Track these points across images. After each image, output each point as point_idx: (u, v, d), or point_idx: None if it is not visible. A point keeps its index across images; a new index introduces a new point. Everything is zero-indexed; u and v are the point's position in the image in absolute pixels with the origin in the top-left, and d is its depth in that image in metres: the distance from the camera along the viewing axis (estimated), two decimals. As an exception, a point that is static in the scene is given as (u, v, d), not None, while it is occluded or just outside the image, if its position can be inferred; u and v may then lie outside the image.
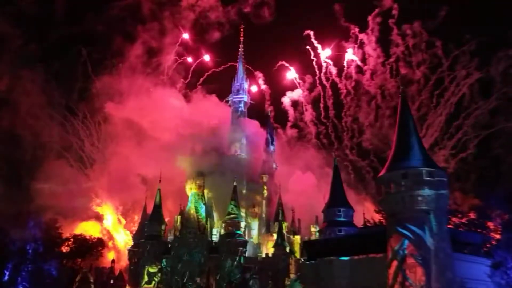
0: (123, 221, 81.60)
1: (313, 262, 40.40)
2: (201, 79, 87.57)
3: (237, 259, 61.33)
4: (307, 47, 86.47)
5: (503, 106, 75.26)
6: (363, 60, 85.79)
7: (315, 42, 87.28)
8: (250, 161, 77.08)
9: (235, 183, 68.16)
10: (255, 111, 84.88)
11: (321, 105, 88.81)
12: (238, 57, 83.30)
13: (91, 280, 61.86)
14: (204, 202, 67.93)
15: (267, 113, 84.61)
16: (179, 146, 72.72)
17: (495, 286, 36.38)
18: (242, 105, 78.30)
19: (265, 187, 73.04)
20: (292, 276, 57.70)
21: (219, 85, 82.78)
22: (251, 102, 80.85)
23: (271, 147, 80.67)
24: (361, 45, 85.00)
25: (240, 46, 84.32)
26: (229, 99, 79.08)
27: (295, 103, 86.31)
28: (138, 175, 77.41)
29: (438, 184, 33.24)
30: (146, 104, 78.83)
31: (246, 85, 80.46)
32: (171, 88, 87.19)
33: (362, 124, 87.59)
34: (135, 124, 79.25)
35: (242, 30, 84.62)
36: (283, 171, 77.82)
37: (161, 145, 73.91)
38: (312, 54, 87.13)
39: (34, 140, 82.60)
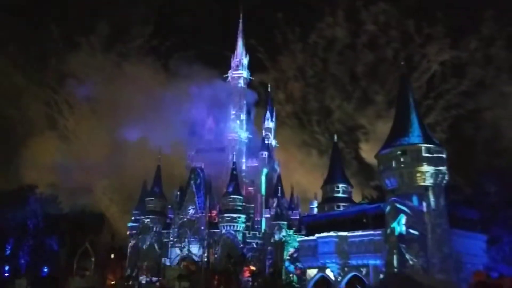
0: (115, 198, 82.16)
1: (311, 237, 40.76)
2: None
3: (236, 234, 62.00)
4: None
5: (474, 88, 75.56)
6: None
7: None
8: (250, 137, 76.97)
9: (234, 160, 68.46)
10: (255, 87, 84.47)
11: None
12: (237, 32, 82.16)
13: (92, 255, 62.53)
14: (204, 178, 68.24)
15: (266, 89, 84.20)
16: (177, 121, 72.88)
17: (491, 261, 36.89)
18: (241, 81, 77.54)
19: (264, 163, 73.13)
20: (291, 251, 58.45)
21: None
22: (251, 78, 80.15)
23: (271, 123, 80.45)
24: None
25: (239, 21, 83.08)
26: (228, 75, 78.25)
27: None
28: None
29: (437, 161, 33.38)
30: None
31: (245, 61, 79.52)
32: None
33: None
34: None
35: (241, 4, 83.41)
36: (283, 147, 78.00)
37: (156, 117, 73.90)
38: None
39: (22, 118, 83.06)
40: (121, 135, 77.96)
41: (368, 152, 78.77)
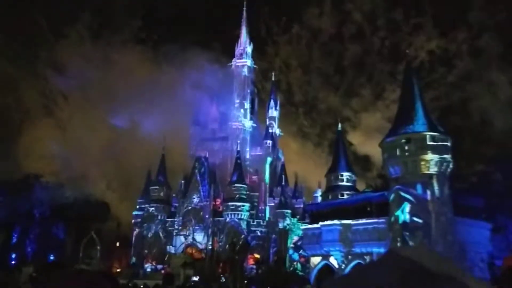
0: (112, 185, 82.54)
1: (315, 226, 40.85)
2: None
3: (240, 222, 62.30)
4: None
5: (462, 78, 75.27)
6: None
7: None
8: (254, 126, 76.90)
9: (238, 149, 68.54)
10: (259, 75, 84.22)
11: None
12: (242, 20, 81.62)
13: (98, 243, 63.01)
14: (208, 167, 68.43)
15: (270, 77, 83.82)
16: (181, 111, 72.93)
17: (495, 249, 36.88)
18: (245, 69, 77.16)
19: (268, 152, 73.15)
20: (295, 239, 58.71)
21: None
22: (255, 67, 79.75)
23: (275, 112, 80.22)
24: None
25: (243, 8, 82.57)
26: (232, 63, 77.89)
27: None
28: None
29: (442, 149, 33.25)
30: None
31: (249, 49, 79.04)
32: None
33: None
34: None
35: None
36: (287, 136, 77.97)
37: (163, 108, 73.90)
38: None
39: (18, 108, 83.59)
40: (117, 123, 78.35)
41: (358, 145, 79.47)
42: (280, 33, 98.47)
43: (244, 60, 77.60)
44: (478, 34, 76.45)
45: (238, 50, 78.70)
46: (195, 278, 47.05)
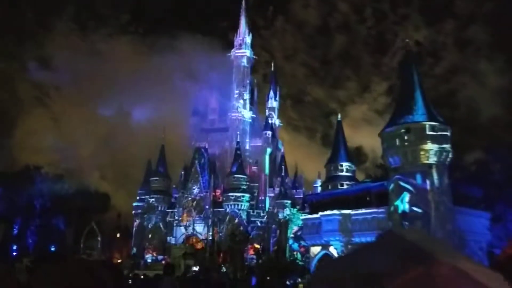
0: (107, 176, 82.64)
1: (315, 216, 40.99)
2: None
3: (240, 213, 62.52)
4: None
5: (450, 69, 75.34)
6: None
7: None
8: (253, 117, 76.86)
9: (238, 139, 68.55)
10: (259, 66, 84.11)
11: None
12: (241, 9, 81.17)
13: (98, 234, 63.27)
14: (208, 157, 68.51)
15: (270, 68, 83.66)
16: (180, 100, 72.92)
17: (495, 239, 37.02)
18: (245, 60, 76.87)
19: (268, 143, 73.20)
20: (294, 229, 58.93)
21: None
22: (254, 57, 79.44)
23: (275, 102, 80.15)
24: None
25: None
26: (231, 54, 77.56)
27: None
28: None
29: (441, 139, 33.25)
30: None
31: (249, 39, 78.65)
32: None
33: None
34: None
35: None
36: (287, 126, 78.03)
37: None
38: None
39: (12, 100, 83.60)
40: (108, 113, 78.39)
41: (347, 137, 79.55)
42: (266, 26, 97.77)
43: (243, 50, 77.31)
44: (466, 25, 76.46)
45: (237, 41, 78.34)
46: (195, 268, 47.28)
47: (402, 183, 32.48)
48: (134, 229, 69.00)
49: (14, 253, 63.35)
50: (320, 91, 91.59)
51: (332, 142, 52.65)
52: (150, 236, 65.54)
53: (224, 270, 47.76)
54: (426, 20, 78.68)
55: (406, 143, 33.53)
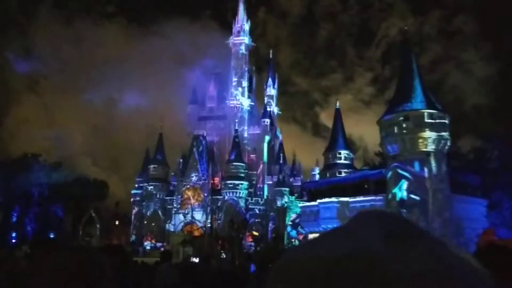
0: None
1: (313, 203, 41.17)
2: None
3: (238, 201, 62.71)
4: None
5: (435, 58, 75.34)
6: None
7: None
8: (252, 104, 76.67)
9: (236, 127, 68.45)
10: (258, 53, 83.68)
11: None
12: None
13: (97, 221, 63.50)
14: (206, 145, 68.48)
15: (268, 55, 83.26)
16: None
17: (491, 226, 37.25)
18: (243, 47, 76.37)
19: (266, 131, 73.14)
20: (293, 217, 59.21)
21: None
22: (253, 44, 78.91)
23: (273, 90, 79.88)
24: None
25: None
26: (230, 41, 77.00)
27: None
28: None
29: (439, 127, 33.28)
30: None
31: (247, 27, 78.02)
32: None
33: None
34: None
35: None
36: (285, 114, 77.94)
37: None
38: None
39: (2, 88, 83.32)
40: (96, 100, 78.11)
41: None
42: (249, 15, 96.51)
43: (241, 37, 76.72)
44: (452, 14, 76.07)
45: (235, 28, 77.71)
46: (196, 260, 47.50)
47: (400, 171, 32.60)
48: (132, 217, 69.20)
49: (13, 241, 63.59)
50: (305, 81, 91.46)
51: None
52: (148, 223, 65.78)
53: (224, 257, 48.05)
54: (412, 9, 78.28)
55: (404, 131, 33.58)
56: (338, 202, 37.91)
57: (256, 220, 62.16)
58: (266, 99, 78.80)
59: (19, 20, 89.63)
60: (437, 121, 33.28)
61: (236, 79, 75.22)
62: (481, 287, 0.41)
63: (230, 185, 63.12)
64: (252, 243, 56.19)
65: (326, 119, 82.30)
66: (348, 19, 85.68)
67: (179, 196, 66.17)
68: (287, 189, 63.54)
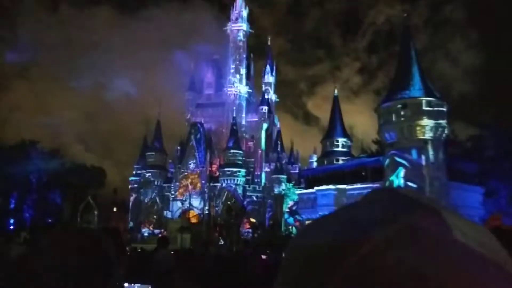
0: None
1: (310, 190, 41.33)
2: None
3: (236, 188, 62.87)
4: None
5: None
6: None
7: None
8: (250, 92, 76.42)
9: (234, 115, 68.32)
10: (256, 40, 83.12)
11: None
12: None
13: (95, 208, 63.59)
14: (204, 133, 68.44)
15: (266, 42, 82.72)
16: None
17: (487, 213, 37.49)
18: (241, 34, 75.80)
19: (264, 118, 73.04)
20: (290, 204, 59.47)
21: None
22: (251, 31, 78.31)
23: (271, 77, 79.56)
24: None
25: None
26: (227, 28, 76.39)
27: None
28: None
29: (437, 114, 33.32)
30: None
31: (245, 13, 77.33)
32: None
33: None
34: None
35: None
36: (283, 102, 77.76)
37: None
38: None
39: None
40: (83, 85, 77.82)
41: (322, 118, 79.77)
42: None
43: (239, 24, 76.09)
44: (441, 2, 75.73)
45: (233, 14, 77.03)
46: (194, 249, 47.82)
47: (397, 158, 32.71)
48: (130, 204, 69.39)
49: (12, 227, 63.77)
50: (292, 71, 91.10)
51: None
52: (146, 210, 66.01)
53: (222, 243, 48.33)
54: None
55: (402, 119, 33.63)
56: (336, 189, 38.09)
57: (254, 207, 62.41)
58: (263, 86, 78.55)
59: (5, 6, 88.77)
60: (435, 109, 33.31)
61: (234, 66, 74.80)
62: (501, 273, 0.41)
63: (228, 172, 63.24)
64: (250, 230, 56.48)
65: (314, 108, 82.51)
66: (336, 6, 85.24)
67: (177, 183, 66.32)
68: (285, 176, 63.72)
